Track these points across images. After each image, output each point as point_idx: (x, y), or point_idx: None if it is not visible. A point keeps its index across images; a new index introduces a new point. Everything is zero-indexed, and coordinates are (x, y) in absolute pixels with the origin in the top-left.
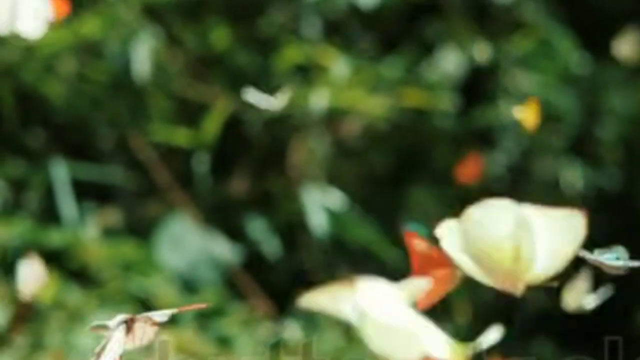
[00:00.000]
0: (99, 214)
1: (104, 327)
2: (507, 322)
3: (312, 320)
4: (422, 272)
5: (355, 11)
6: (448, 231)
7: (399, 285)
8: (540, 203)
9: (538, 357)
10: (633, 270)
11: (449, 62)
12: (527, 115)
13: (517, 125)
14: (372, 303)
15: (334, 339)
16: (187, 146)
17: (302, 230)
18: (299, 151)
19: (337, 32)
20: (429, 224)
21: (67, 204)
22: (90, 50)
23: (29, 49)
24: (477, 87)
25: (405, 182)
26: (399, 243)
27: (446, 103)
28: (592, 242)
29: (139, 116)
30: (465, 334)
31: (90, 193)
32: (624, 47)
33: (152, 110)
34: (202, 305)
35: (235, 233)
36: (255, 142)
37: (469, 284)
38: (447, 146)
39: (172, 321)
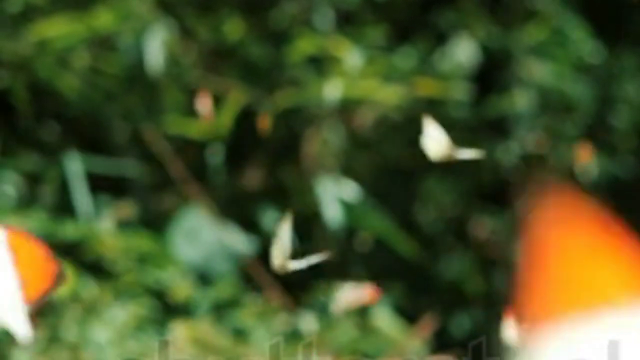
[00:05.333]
0: (114, 207)
1: None
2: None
3: (327, 311)
4: None
5: (367, 1)
6: None
7: None
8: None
9: None
10: None
11: (462, 51)
12: None
13: (531, 114)
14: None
15: (349, 330)
16: (201, 138)
17: (317, 222)
18: (312, 142)
19: (349, 22)
20: (443, 214)
21: (81, 197)
22: (103, 43)
23: (42, 42)
24: (491, 76)
25: (419, 173)
26: (413, 233)
27: (460, 93)
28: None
29: (153, 109)
30: (479, 324)
31: (104, 186)
32: None
33: (166, 103)
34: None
35: (249, 225)
36: (269, 133)
37: (484, 272)
38: (461, 136)
39: (188, 313)
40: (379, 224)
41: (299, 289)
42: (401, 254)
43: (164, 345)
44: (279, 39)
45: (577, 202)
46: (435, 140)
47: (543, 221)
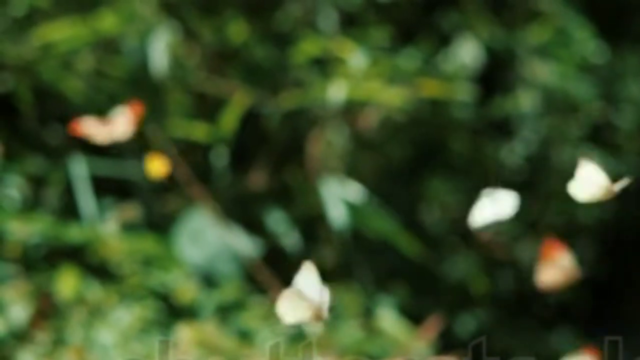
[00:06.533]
0: (118, 210)
1: None
2: (528, 312)
3: (332, 312)
4: None
5: (371, 3)
6: None
7: None
8: (559, 192)
9: (557, 349)
10: None
11: (466, 52)
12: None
13: (535, 114)
14: None
15: (354, 332)
16: (206, 141)
17: (321, 223)
18: (317, 144)
19: (353, 24)
20: (448, 215)
21: (86, 200)
22: (107, 46)
23: (46, 46)
24: (495, 77)
25: (423, 174)
26: (418, 234)
27: (464, 93)
28: (612, 229)
29: (157, 111)
30: (485, 324)
31: (109, 189)
32: None
33: (170, 105)
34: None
35: (254, 226)
36: (273, 135)
37: (489, 273)
38: (465, 137)
39: (193, 315)
40: (383, 225)
41: None
42: (406, 254)
43: (165, 345)
44: (283, 40)
45: None
46: (591, 181)
47: None
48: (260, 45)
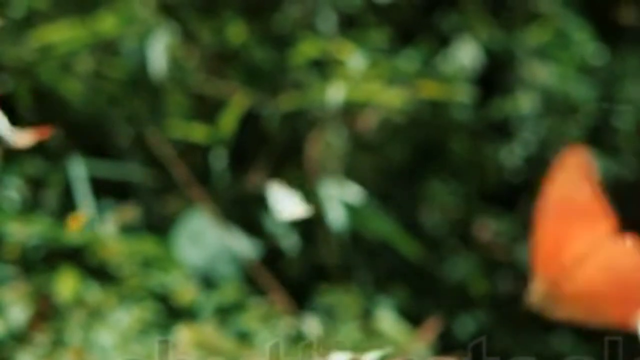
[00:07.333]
0: (118, 211)
1: None
2: (528, 313)
3: (332, 314)
4: None
5: (370, 4)
6: None
7: None
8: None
9: (557, 350)
10: None
11: (466, 54)
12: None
13: (534, 116)
14: None
15: (353, 333)
16: (205, 142)
17: (320, 225)
18: (316, 145)
19: (352, 25)
20: (447, 216)
21: (85, 201)
22: (106, 47)
23: (45, 47)
24: (494, 78)
25: (423, 175)
26: (417, 236)
27: (463, 95)
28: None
29: (156, 113)
30: (484, 326)
31: (108, 190)
32: None
33: (169, 107)
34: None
35: (253, 228)
36: (272, 136)
37: (489, 275)
38: (464, 138)
39: (192, 316)
40: (382, 227)
41: (303, 292)
42: (405, 256)
43: (165, 346)
44: (282, 42)
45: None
46: None
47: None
48: (260, 47)
